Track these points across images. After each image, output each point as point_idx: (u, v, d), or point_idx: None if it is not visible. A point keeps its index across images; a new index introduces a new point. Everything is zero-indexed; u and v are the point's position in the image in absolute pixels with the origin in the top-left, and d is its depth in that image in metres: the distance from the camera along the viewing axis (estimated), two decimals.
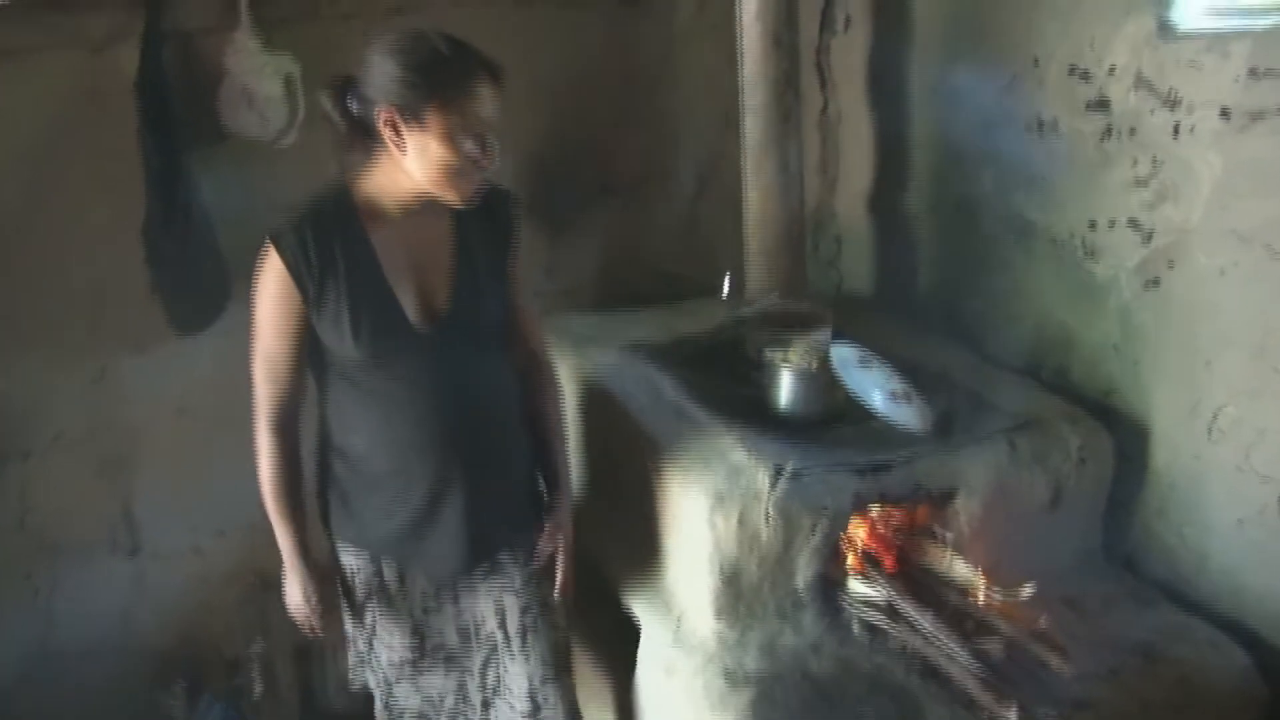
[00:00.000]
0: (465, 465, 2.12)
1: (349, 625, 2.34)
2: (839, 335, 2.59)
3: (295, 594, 2.26)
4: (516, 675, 2.30)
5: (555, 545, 2.30)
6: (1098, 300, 2.62)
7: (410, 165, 1.93)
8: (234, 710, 3.25)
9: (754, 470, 2.22)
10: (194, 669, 3.33)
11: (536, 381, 2.31)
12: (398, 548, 2.20)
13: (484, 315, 2.13)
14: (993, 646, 2.13)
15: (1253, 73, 2.17)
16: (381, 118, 1.90)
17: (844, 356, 2.38)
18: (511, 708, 2.33)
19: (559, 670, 2.32)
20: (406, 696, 2.37)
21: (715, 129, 3.26)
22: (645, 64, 3.38)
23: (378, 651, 2.33)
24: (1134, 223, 2.49)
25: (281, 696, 3.31)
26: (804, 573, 2.23)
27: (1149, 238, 2.46)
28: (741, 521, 2.16)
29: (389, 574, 2.24)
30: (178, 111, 2.85)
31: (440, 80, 1.89)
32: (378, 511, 2.17)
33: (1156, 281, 2.46)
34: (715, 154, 3.34)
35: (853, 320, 2.85)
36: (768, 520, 2.17)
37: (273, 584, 3.29)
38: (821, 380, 2.38)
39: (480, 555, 2.23)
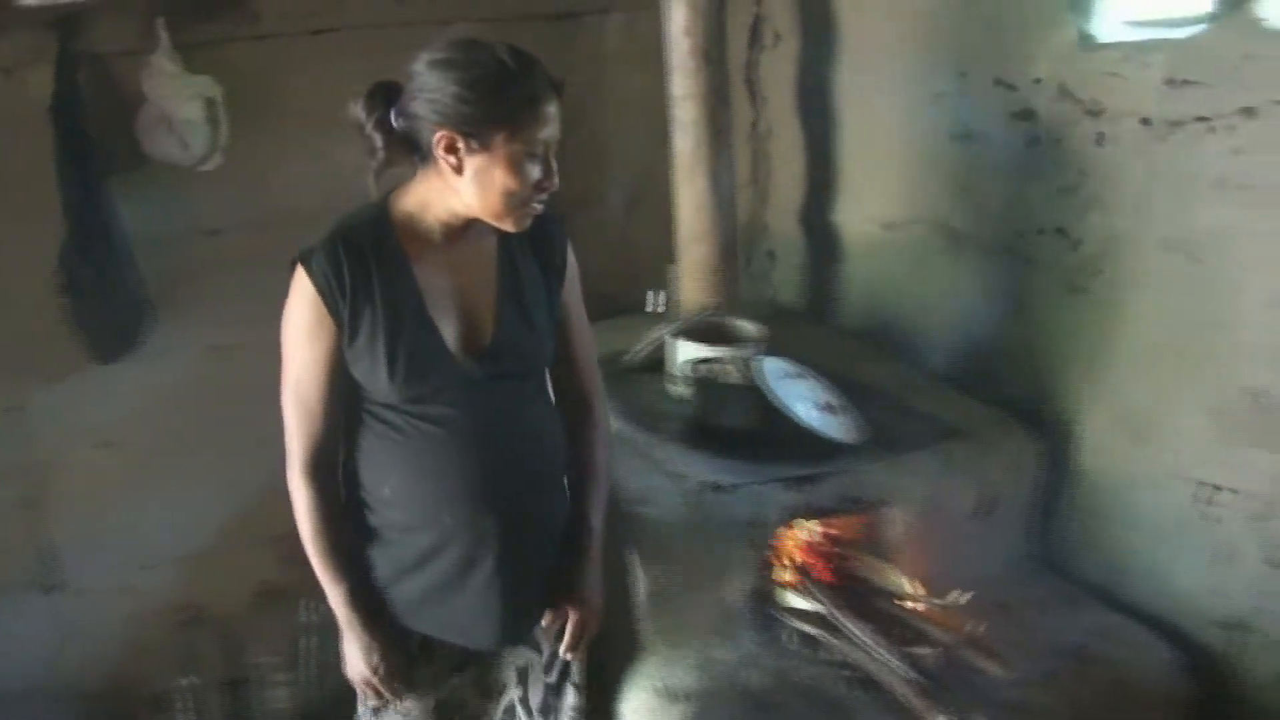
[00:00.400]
0: (504, 524, 1.87)
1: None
2: (771, 349, 2.60)
3: (356, 658, 1.93)
4: None
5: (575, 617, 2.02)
6: (1027, 309, 2.66)
7: (464, 188, 1.72)
8: None
9: (683, 484, 2.22)
10: (120, 707, 3.27)
11: (584, 427, 2.04)
12: (422, 613, 1.95)
13: (532, 350, 1.90)
14: (928, 654, 2.14)
15: (1170, 82, 2.22)
16: (439, 139, 1.69)
17: (774, 369, 2.38)
18: None
19: None
20: None
21: (646, 147, 3.25)
22: (575, 83, 3.35)
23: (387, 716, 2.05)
24: (1061, 231, 2.53)
25: None
26: (736, 587, 2.24)
27: (1076, 246, 2.51)
28: (671, 536, 2.16)
29: (411, 644, 1.98)
30: (94, 136, 2.81)
31: (508, 102, 1.68)
32: (402, 572, 1.92)
33: (1084, 289, 2.50)
34: (647, 172, 3.33)
35: (786, 333, 2.86)
36: (697, 535, 2.17)
37: (201, 616, 3.26)
38: (752, 394, 2.36)
39: (513, 632, 2.00)
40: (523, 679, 2.09)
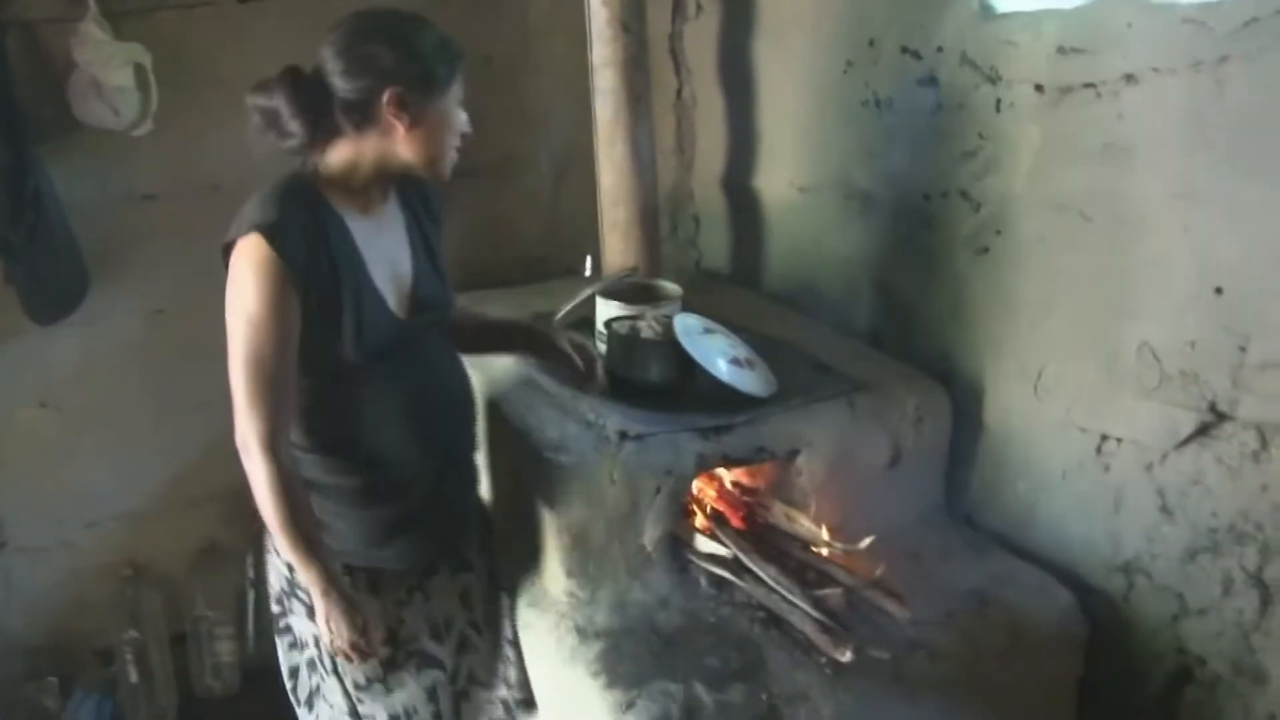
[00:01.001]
0: (452, 451, 2.15)
1: (310, 627, 2.11)
2: (690, 308, 2.68)
3: (341, 625, 1.97)
4: (488, 662, 2.35)
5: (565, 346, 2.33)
6: (934, 269, 2.74)
7: (413, 140, 1.88)
8: (108, 701, 3.23)
9: (599, 434, 2.30)
10: (66, 663, 3.32)
11: (468, 314, 2.36)
12: (386, 545, 2.08)
13: (445, 298, 2.12)
14: (833, 595, 2.23)
15: (1060, 50, 2.29)
16: (388, 96, 1.82)
17: (688, 325, 2.45)
18: (489, 693, 2.36)
19: (517, 650, 2.39)
20: (373, 711, 2.17)
21: (572, 115, 3.31)
22: (501, 54, 3.44)
23: (343, 663, 2.10)
24: (964, 194, 2.61)
25: (157, 684, 3.31)
26: (651, 532, 2.32)
27: (978, 208, 2.58)
28: (587, 484, 2.24)
29: (360, 580, 2.07)
30: (24, 104, 2.81)
31: (443, 57, 1.89)
32: (370, 511, 2.04)
33: (986, 250, 2.57)
34: (573, 139, 3.40)
35: (709, 295, 2.97)
36: (613, 482, 2.25)
37: (144, 573, 3.32)
38: (667, 349, 2.43)
39: (459, 550, 2.23)
40: (466, 603, 2.27)
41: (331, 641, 2.01)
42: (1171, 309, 2.16)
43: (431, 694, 2.20)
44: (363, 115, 1.86)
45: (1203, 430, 2.16)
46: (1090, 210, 2.30)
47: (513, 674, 2.38)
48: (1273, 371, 2.01)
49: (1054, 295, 2.43)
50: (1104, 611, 2.40)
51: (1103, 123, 2.23)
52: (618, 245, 2.98)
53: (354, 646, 2.00)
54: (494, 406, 2.53)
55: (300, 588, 2.06)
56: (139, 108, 2.91)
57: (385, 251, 1.99)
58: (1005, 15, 2.45)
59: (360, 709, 2.16)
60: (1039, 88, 2.36)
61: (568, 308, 2.84)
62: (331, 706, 2.18)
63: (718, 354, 2.43)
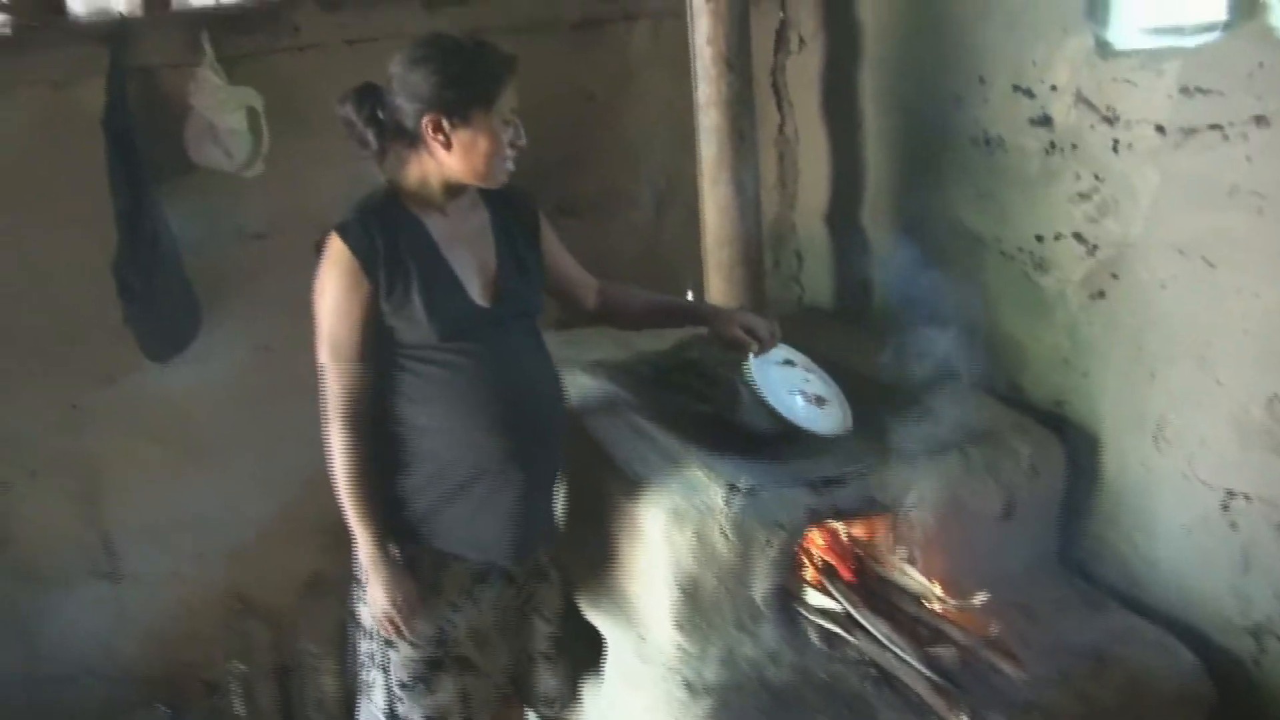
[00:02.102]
0: (527, 443, 2.23)
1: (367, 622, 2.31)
2: (794, 348, 2.65)
3: (380, 597, 2.18)
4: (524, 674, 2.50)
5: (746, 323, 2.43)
6: (1046, 313, 2.70)
7: (453, 160, 2.11)
8: None
9: (709, 487, 2.29)
10: (175, 692, 3.44)
11: (611, 291, 2.54)
12: (449, 531, 2.22)
13: (528, 293, 2.30)
14: (946, 653, 2.21)
15: (1184, 90, 2.25)
16: (426, 123, 2.06)
17: (766, 359, 2.42)
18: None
19: (557, 665, 2.52)
20: (409, 712, 2.31)
21: (673, 151, 3.37)
22: (603, 89, 3.51)
23: (394, 657, 2.28)
24: (1079, 236, 2.57)
25: (262, 716, 3.41)
26: (761, 585, 2.30)
27: (1093, 251, 2.54)
28: (699, 537, 2.24)
29: (423, 563, 2.24)
30: (143, 145, 2.94)
31: (478, 80, 2.07)
32: (435, 494, 2.20)
33: (1102, 294, 2.54)
34: (674, 175, 3.45)
35: (812, 334, 2.93)
36: (724, 535, 2.24)
37: (251, 605, 3.40)
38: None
39: (529, 546, 2.33)
40: (508, 615, 2.40)
41: (372, 612, 2.21)
42: None
43: (465, 699, 2.34)
44: (411, 136, 2.11)
45: None
46: (1214, 256, 2.25)
47: (551, 687, 2.52)
48: None
49: (1176, 343, 2.38)
50: (1232, 674, 2.34)
51: (1230, 165, 2.18)
52: (721, 285, 2.98)
53: (388, 619, 2.19)
54: (601, 454, 2.54)
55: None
56: (251, 149, 3.03)
57: (467, 246, 2.22)
58: (1124, 53, 2.41)
59: (398, 709, 2.30)
60: (1160, 129, 2.32)
61: (667, 348, 2.83)
62: (372, 703, 2.34)
63: (791, 390, 2.40)
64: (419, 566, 2.23)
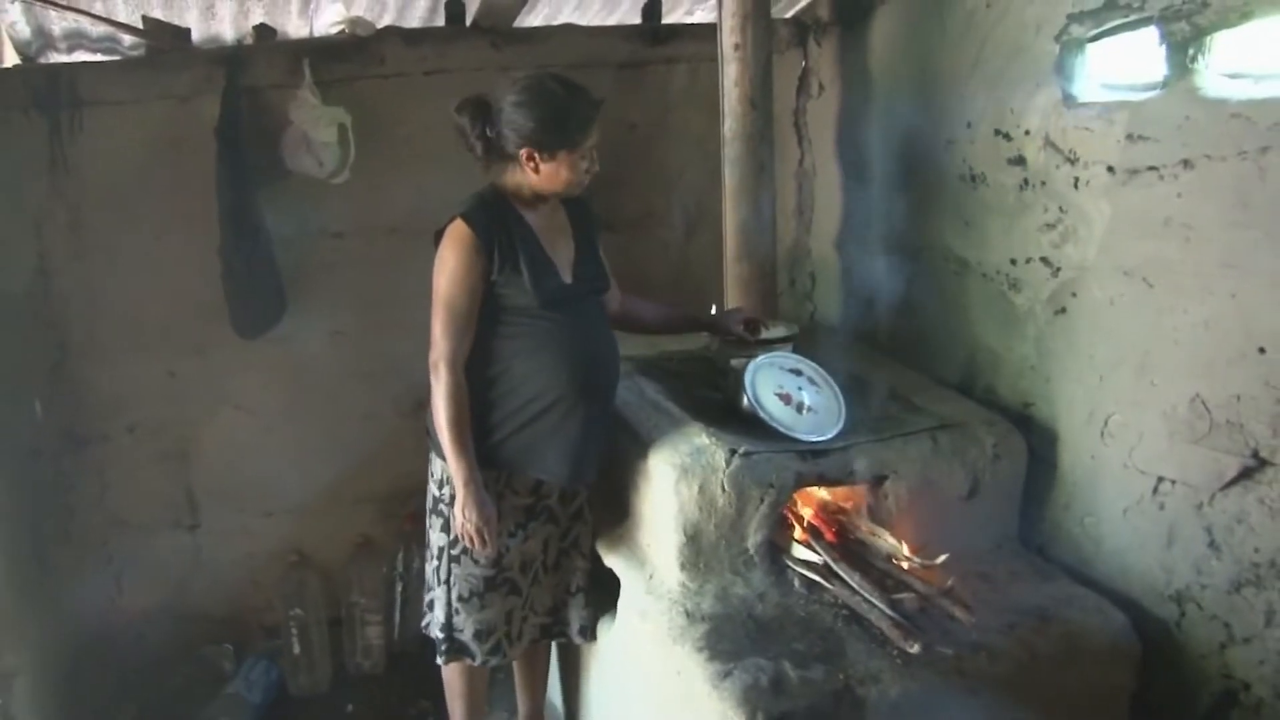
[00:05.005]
0: (593, 386, 2.69)
1: (442, 539, 2.79)
2: (799, 349, 3.04)
3: (473, 513, 2.62)
4: (551, 601, 2.95)
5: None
6: (1019, 326, 3.03)
7: (540, 180, 2.59)
8: (274, 667, 3.68)
9: (713, 450, 2.66)
10: (238, 633, 3.79)
11: (635, 301, 3.04)
12: (523, 455, 2.69)
13: (601, 274, 2.81)
14: (908, 599, 2.53)
15: (1130, 137, 2.59)
16: (522, 154, 2.55)
17: (767, 363, 2.85)
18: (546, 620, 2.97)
19: (582, 596, 2.96)
20: (463, 624, 2.80)
21: (703, 179, 3.72)
22: (644, 121, 3.89)
23: (457, 572, 2.76)
24: (1045, 260, 2.91)
25: (315, 658, 3.73)
26: (754, 536, 2.67)
27: (1056, 273, 2.88)
28: (702, 490, 2.61)
29: (494, 494, 2.69)
30: (249, 153, 3.35)
31: (566, 128, 2.54)
32: (518, 422, 2.66)
33: (1063, 310, 2.87)
34: (703, 199, 3.79)
35: (819, 344, 3.31)
36: (723, 490, 2.61)
37: (308, 561, 3.77)
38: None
39: (586, 471, 2.78)
40: (550, 548, 2.87)
41: (463, 525, 2.65)
42: (1221, 365, 2.42)
43: (509, 617, 2.84)
44: (509, 158, 2.59)
45: (1246, 474, 2.39)
46: (1153, 277, 2.57)
47: (584, 617, 2.95)
48: None
49: (1121, 352, 2.69)
50: (1158, 635, 2.62)
51: (1164, 201, 2.50)
52: (739, 296, 3.33)
53: (478, 531, 2.63)
54: (625, 424, 2.93)
55: (443, 503, 2.76)
56: (339, 160, 3.43)
57: (556, 236, 2.71)
58: (1084, 104, 2.74)
59: (455, 620, 2.81)
60: (1111, 169, 2.65)
61: (688, 349, 3.21)
62: (434, 614, 2.85)
63: (771, 389, 2.80)
64: (499, 482, 2.71)
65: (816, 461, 2.70)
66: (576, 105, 2.55)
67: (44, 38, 3.16)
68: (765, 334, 3.05)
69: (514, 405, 2.66)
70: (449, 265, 2.56)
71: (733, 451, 2.65)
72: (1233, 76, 2.33)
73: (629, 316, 3.02)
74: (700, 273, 3.86)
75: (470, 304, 2.58)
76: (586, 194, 2.76)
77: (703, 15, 4.12)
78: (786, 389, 2.82)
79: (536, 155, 2.55)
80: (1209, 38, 2.36)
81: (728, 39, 3.17)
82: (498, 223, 2.59)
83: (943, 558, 2.60)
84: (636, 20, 3.92)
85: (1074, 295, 2.83)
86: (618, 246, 3.10)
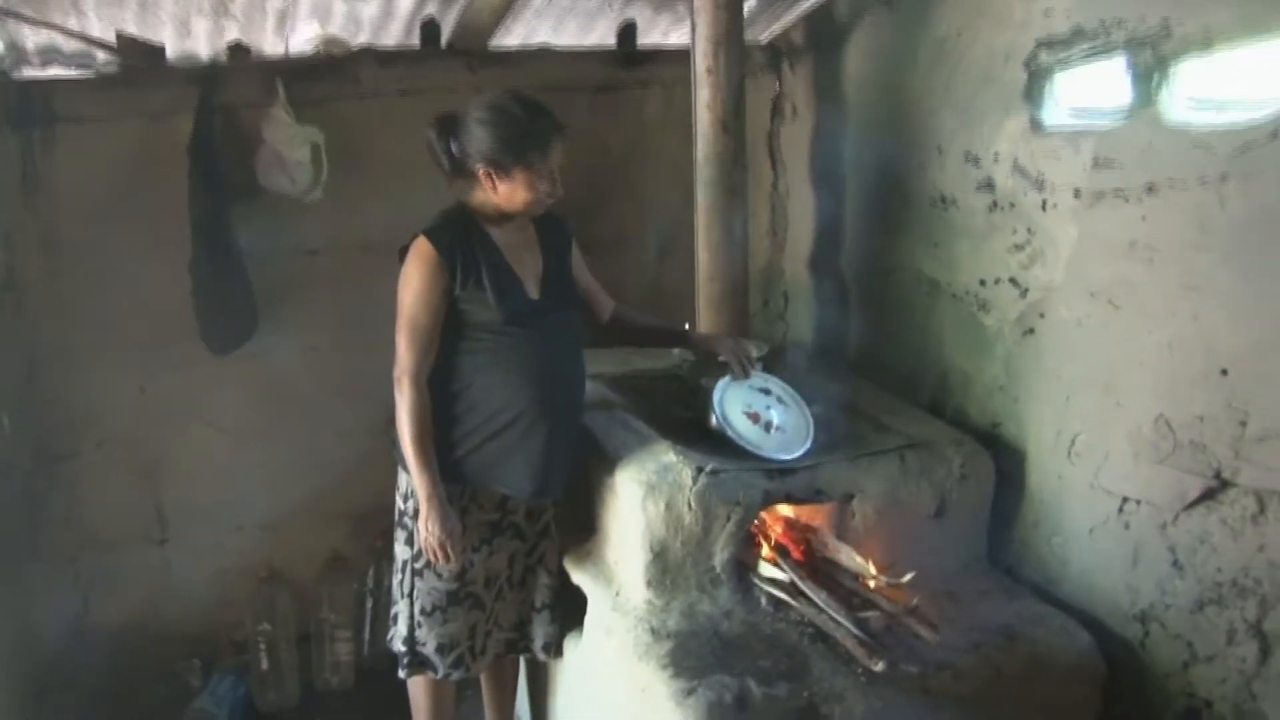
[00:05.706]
0: (556, 402, 2.70)
1: (406, 553, 2.80)
2: (768, 367, 3.06)
3: (436, 527, 2.62)
4: (514, 615, 2.95)
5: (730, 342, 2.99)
6: (988, 347, 3.06)
7: (498, 198, 2.61)
8: (241, 684, 3.66)
9: (680, 468, 2.68)
10: (207, 649, 3.77)
11: (621, 311, 3.03)
12: (491, 470, 2.70)
13: (567, 291, 2.81)
14: (874, 618, 2.54)
15: (1096, 162, 2.62)
16: (482, 172, 2.58)
17: (730, 381, 2.87)
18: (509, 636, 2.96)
19: (547, 612, 2.95)
20: (426, 637, 2.80)
21: (677, 201, 3.70)
22: (619, 144, 3.92)
23: (420, 586, 2.77)
24: (1014, 281, 2.94)
25: (284, 674, 3.72)
26: (720, 554, 2.68)
27: (1025, 294, 2.91)
28: (669, 508, 2.62)
29: (459, 508, 2.69)
30: (222, 171, 3.37)
31: (523, 147, 2.56)
32: (480, 436, 2.67)
33: (1032, 331, 2.89)
34: (677, 222, 3.78)
35: (790, 363, 3.33)
36: (690, 508, 2.62)
37: (278, 577, 3.76)
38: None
39: (550, 485, 2.77)
40: (515, 564, 2.88)
41: (426, 539, 2.65)
42: (1184, 386, 2.45)
43: (472, 631, 2.85)
44: (470, 174, 2.62)
45: (1209, 495, 2.42)
46: (1118, 299, 2.61)
47: (549, 633, 2.95)
48: (1270, 443, 2.27)
49: (1087, 372, 2.72)
50: (1123, 655, 2.64)
51: (1129, 224, 2.54)
52: (711, 316, 3.33)
53: (441, 545, 2.64)
54: (593, 441, 2.93)
55: (407, 516, 2.77)
56: (312, 178, 3.45)
57: (522, 253, 2.72)
58: (1052, 130, 2.78)
59: (417, 633, 2.81)
60: (1077, 193, 2.69)
61: (658, 367, 3.22)
62: (397, 627, 2.85)
63: (740, 408, 2.82)
64: (464, 496, 2.72)
65: (784, 480, 2.71)
66: (536, 126, 2.57)
67: (17, 52, 3.16)
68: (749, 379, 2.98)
69: (478, 420, 2.67)
70: (412, 281, 2.59)
71: (700, 469, 2.66)
72: (1195, 105, 2.37)
73: (620, 326, 3.03)
74: (673, 294, 3.87)
75: (432, 320, 2.60)
76: (561, 211, 2.79)
77: (678, 39, 4.13)
78: (755, 408, 2.84)
79: (493, 174, 2.58)
80: (1173, 66, 2.40)
81: (701, 63, 3.19)
82: (461, 239, 2.61)
83: (909, 576, 2.62)
84: (612, 42, 3.94)
85: (1042, 316, 2.86)
86: (591, 268, 3.12)
